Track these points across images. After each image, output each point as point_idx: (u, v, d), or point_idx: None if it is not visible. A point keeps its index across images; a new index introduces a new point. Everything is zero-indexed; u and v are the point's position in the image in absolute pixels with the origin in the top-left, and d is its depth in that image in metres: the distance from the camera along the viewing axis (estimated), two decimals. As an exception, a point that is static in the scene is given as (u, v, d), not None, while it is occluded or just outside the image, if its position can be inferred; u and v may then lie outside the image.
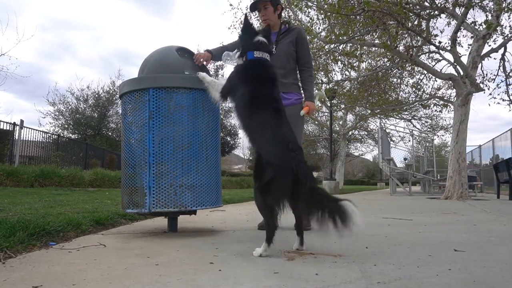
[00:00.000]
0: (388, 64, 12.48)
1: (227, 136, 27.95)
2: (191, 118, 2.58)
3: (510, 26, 11.77)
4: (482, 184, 14.90)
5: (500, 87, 11.26)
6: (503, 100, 10.62)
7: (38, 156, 13.57)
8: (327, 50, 10.96)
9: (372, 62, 14.40)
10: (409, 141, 17.88)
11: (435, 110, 15.41)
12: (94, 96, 24.40)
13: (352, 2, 8.44)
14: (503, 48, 9.62)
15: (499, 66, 10.17)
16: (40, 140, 13.75)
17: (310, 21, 11.05)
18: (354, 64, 14.64)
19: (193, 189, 2.54)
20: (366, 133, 25.99)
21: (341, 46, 10.87)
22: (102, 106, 24.30)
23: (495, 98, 10.82)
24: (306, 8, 10.90)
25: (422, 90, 13.48)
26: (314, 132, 28.06)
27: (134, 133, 2.62)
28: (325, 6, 9.41)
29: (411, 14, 8.59)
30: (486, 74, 10.50)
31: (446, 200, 8.30)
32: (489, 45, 9.45)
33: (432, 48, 10.17)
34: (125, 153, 2.66)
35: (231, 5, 13.53)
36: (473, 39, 9.06)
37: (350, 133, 24.88)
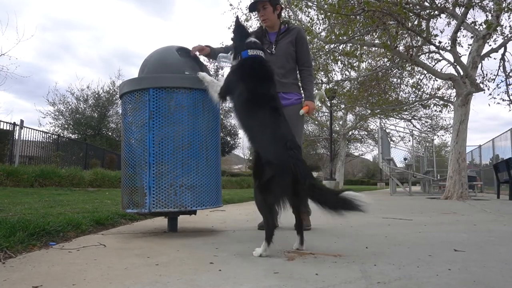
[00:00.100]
0: (388, 64, 12.48)
1: (227, 136, 27.95)
2: (191, 118, 2.58)
3: (510, 26, 11.78)
4: (482, 184, 14.91)
5: (500, 87, 11.27)
6: (503, 100, 10.62)
7: (38, 156, 13.57)
8: (327, 50, 10.96)
9: (372, 62, 14.39)
10: (409, 141, 17.90)
11: (435, 110, 15.43)
12: (94, 96, 24.40)
13: (352, 2, 8.44)
14: (503, 48, 9.63)
15: (499, 66, 10.17)
16: (40, 140, 13.75)
17: (310, 21, 11.05)
18: (354, 64, 14.63)
19: (193, 189, 2.54)
20: (366, 133, 26.00)
21: (341, 46, 10.87)
22: (102, 106, 24.30)
23: (495, 98, 10.84)
24: (306, 8, 10.90)
25: (422, 90, 13.50)
26: (314, 132, 28.06)
27: (134, 133, 2.62)
28: (325, 6, 9.41)
29: (411, 14, 8.59)
30: (486, 74, 10.52)
31: (446, 200, 8.30)
32: (489, 45, 9.47)
33: (432, 48, 10.17)
34: (125, 153, 2.66)
35: (231, 5, 13.57)
36: (473, 39, 9.06)
37: (350, 133, 24.88)
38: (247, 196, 7.52)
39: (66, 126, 23.64)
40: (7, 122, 12.18)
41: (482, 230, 3.05)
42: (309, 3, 10.25)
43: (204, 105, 2.64)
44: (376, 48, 11.90)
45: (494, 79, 10.48)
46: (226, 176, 20.17)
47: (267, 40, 3.10)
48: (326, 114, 21.95)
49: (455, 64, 9.14)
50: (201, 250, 2.11)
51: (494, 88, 10.77)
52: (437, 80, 12.87)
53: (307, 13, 11.26)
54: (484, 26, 8.20)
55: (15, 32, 62.11)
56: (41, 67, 78.56)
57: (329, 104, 16.52)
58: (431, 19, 9.43)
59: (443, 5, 8.72)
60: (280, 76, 3.00)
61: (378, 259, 1.86)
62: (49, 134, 15.66)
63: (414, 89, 13.57)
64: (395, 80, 13.86)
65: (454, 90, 9.62)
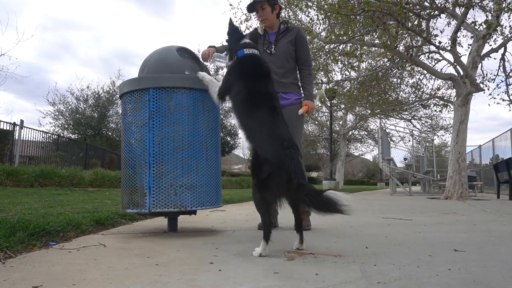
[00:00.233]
0: (388, 64, 12.48)
1: (227, 136, 27.95)
2: (191, 118, 2.58)
3: (510, 26, 11.77)
4: (482, 184, 14.91)
5: (500, 87, 11.28)
6: (503, 100, 10.62)
7: (38, 156, 13.57)
8: (327, 50, 10.96)
9: (372, 62, 14.40)
10: (409, 141, 17.91)
11: (435, 110, 15.42)
12: (94, 96, 24.40)
13: (352, 2, 8.44)
14: (503, 48, 9.63)
15: (499, 66, 10.17)
16: (40, 140, 13.75)
17: (310, 21, 11.05)
18: (354, 64, 14.63)
19: (193, 189, 2.54)
20: (366, 133, 26.01)
21: (341, 46, 10.87)
22: (102, 106, 24.30)
23: (495, 98, 10.84)
24: (306, 8, 10.90)
25: (421, 90, 13.50)
26: (314, 132, 28.07)
27: (134, 133, 2.62)
28: (325, 6, 9.41)
29: (411, 14, 8.59)
30: (486, 74, 10.52)
31: (446, 200, 8.30)
32: (490, 45, 9.47)
33: (432, 48, 10.17)
34: (125, 153, 2.66)
35: (231, 5, 13.58)
36: (473, 39, 9.06)
37: (350, 133, 24.89)
38: (247, 196, 7.52)
39: (66, 126, 23.65)
40: (7, 122, 12.20)
41: (482, 230, 3.05)
42: (309, 3, 10.25)
43: (204, 105, 2.64)
44: (376, 48, 11.90)
45: (494, 79, 10.50)
46: (226, 176, 20.17)
47: (267, 40, 3.10)
48: (326, 114, 21.96)
49: (455, 64, 9.14)
50: (201, 250, 2.11)
51: (494, 88, 10.79)
52: (437, 80, 12.89)
53: (307, 13, 11.27)
54: (484, 26, 8.20)
55: (15, 32, 62.16)
56: (41, 67, 78.60)
57: (329, 104, 16.51)
58: (431, 19, 9.43)
59: (443, 5, 8.72)
60: (279, 76, 3.00)
61: (378, 259, 1.86)
62: (49, 134, 15.67)
63: (414, 89, 13.58)
64: (395, 80, 13.86)
65: (454, 90, 9.63)
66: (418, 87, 13.24)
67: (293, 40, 3.05)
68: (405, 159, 19.27)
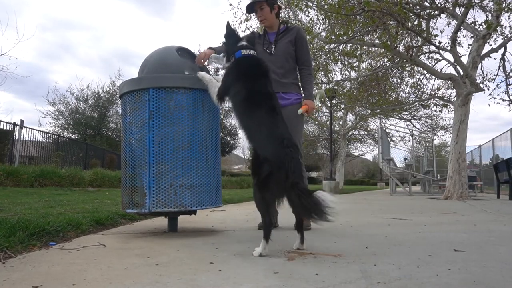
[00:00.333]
0: (388, 64, 12.48)
1: (227, 136, 27.96)
2: (191, 118, 2.58)
3: (510, 26, 11.78)
4: (482, 184, 14.90)
5: (500, 87, 11.27)
6: (503, 100, 10.62)
7: (38, 156, 13.56)
8: (327, 50, 10.96)
9: (372, 62, 14.39)
10: (409, 141, 17.90)
11: (435, 110, 15.42)
12: (94, 96, 24.41)
13: (352, 2, 8.44)
14: (503, 48, 9.63)
15: (499, 66, 10.17)
16: (40, 140, 13.75)
17: (310, 21, 11.05)
18: (354, 64, 14.63)
19: (193, 189, 2.54)
20: (366, 133, 25.99)
21: (341, 46, 10.87)
22: (102, 106, 24.30)
23: (495, 98, 10.84)
24: (306, 8, 10.90)
25: (421, 90, 13.50)
26: (314, 132, 28.06)
27: (134, 133, 2.62)
28: (325, 6, 9.41)
29: (411, 14, 8.59)
30: (486, 74, 10.52)
31: (446, 200, 8.30)
32: (490, 45, 9.47)
33: (432, 48, 10.17)
34: (125, 153, 2.66)
35: (231, 5, 13.53)
36: (473, 39, 9.06)
37: (350, 133, 24.88)
38: (247, 196, 7.52)
39: (66, 126, 23.65)
40: (7, 122, 12.20)
41: (482, 230, 3.05)
42: (309, 3, 10.25)
43: (204, 105, 2.64)
44: (376, 48, 11.90)
45: (494, 79, 10.49)
46: (226, 176, 20.16)
47: (267, 40, 3.10)
48: (326, 114, 21.95)
49: (455, 64, 9.14)
50: (201, 250, 2.11)
51: (494, 88, 10.79)
52: (437, 80, 12.89)
53: (307, 13, 11.27)
54: (484, 26, 8.20)
55: (15, 32, 62.15)
56: (41, 67, 78.61)
57: (329, 104, 16.51)
58: (431, 19, 9.43)
59: (443, 5, 8.72)
60: (279, 76, 3.00)
61: (378, 259, 1.86)
62: (49, 134, 15.66)
63: (414, 89, 13.58)
64: (395, 80, 13.86)
65: (454, 90, 9.63)
66: (418, 87, 13.25)
67: (293, 40, 3.05)
68: (405, 159, 19.27)
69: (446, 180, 9.46)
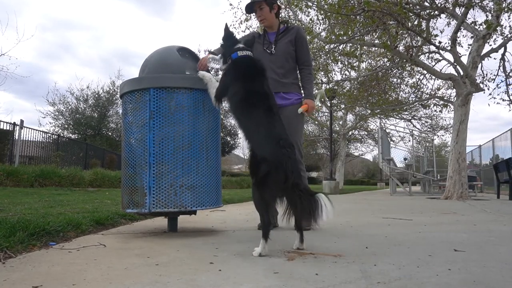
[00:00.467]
0: (388, 64, 12.48)
1: (227, 136, 27.96)
2: (191, 118, 2.58)
3: (510, 26, 11.76)
4: (482, 184, 14.90)
5: (500, 87, 11.27)
6: (503, 100, 10.62)
7: (38, 156, 13.57)
8: (327, 50, 10.96)
9: (372, 62, 14.39)
10: (409, 141, 17.90)
11: (435, 110, 15.42)
12: (94, 96, 24.41)
13: (352, 2, 8.44)
14: (503, 48, 9.63)
15: (499, 66, 10.17)
16: (40, 140, 13.75)
17: (310, 21, 11.05)
18: (354, 64, 14.63)
19: (193, 189, 2.54)
20: (366, 133, 26.00)
21: (341, 46, 10.87)
22: (102, 106, 24.30)
23: (495, 98, 10.83)
24: (306, 8, 10.90)
25: (421, 90, 13.50)
26: (314, 132, 28.06)
27: (134, 133, 2.62)
28: (325, 6, 9.41)
29: (411, 14, 8.59)
30: (486, 74, 10.51)
31: (446, 200, 8.30)
32: (490, 45, 9.47)
33: (432, 48, 10.17)
34: (125, 153, 2.66)
35: (231, 4, 13.56)
36: (473, 39, 9.06)
37: (350, 133, 24.88)
38: (247, 196, 7.52)
39: (66, 126, 23.66)
40: (7, 122, 12.21)
41: (482, 230, 3.05)
42: (309, 3, 10.25)
43: (205, 105, 2.64)
44: (376, 48, 11.90)
45: (494, 79, 10.49)
46: (226, 176, 20.16)
47: (267, 40, 3.10)
48: (326, 114, 21.96)
49: (455, 64, 9.14)
50: (201, 250, 2.11)
51: (494, 88, 10.78)
52: (437, 80, 12.89)
53: (307, 13, 11.27)
54: (484, 26, 8.20)
55: (15, 32, 62.18)
56: (41, 67, 78.65)
57: (329, 104, 16.51)
58: (431, 19, 9.43)
59: (443, 5, 8.72)
60: (280, 76, 3.00)
61: (378, 259, 1.86)
62: (49, 134, 15.67)
63: (414, 89, 13.58)
64: (395, 80, 13.86)
65: (454, 90, 9.63)
66: (418, 87, 13.25)
67: (293, 40, 3.05)
68: (405, 159, 19.27)
69: (446, 180, 9.46)
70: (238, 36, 2.67)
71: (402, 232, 2.93)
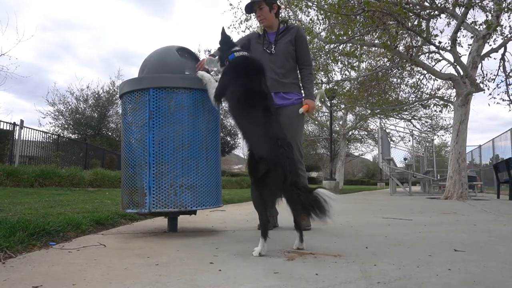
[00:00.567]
0: (388, 64, 12.48)
1: (227, 136, 27.95)
2: (191, 118, 2.58)
3: (510, 26, 11.77)
4: (482, 184, 14.90)
5: (500, 87, 11.27)
6: (503, 100, 10.62)
7: (38, 156, 13.57)
8: (327, 50, 10.96)
9: (372, 62, 14.40)
10: (409, 141, 17.91)
11: (435, 110, 15.42)
12: (94, 96, 24.41)
13: (352, 2, 8.44)
14: (503, 48, 9.63)
15: (499, 66, 10.17)
16: (40, 140, 13.75)
17: (310, 21, 11.05)
18: (354, 64, 14.63)
19: (193, 189, 2.54)
20: (366, 133, 26.00)
21: (341, 46, 10.87)
22: (102, 106, 24.30)
23: (495, 98, 10.83)
24: (306, 8, 10.90)
25: (421, 90, 13.50)
26: (314, 132, 28.06)
27: (134, 133, 2.62)
28: (325, 6, 9.41)
29: (411, 14, 8.59)
30: (486, 74, 10.51)
31: (446, 200, 8.30)
32: (490, 45, 9.46)
33: (432, 48, 10.17)
34: (125, 153, 2.66)
35: (231, 4, 13.56)
36: (473, 39, 9.06)
37: (350, 133, 24.88)
38: (247, 196, 7.52)
39: (66, 126, 23.65)
40: (7, 122, 12.21)
41: (482, 230, 3.05)
42: (309, 3, 10.25)
43: (204, 105, 2.64)
44: (376, 48, 11.90)
45: (494, 79, 10.49)
46: (226, 176, 20.15)
47: (267, 40, 3.10)
48: (326, 114, 21.96)
49: (455, 64, 9.14)
50: (201, 250, 2.11)
51: (494, 88, 10.78)
52: (437, 80, 12.88)
53: (307, 13, 11.27)
54: (484, 26, 8.20)
55: (15, 32, 62.19)
56: (41, 67, 78.73)
57: (329, 104, 16.51)
58: (431, 19, 9.43)
59: (443, 5, 8.72)
60: (280, 76, 3.00)
61: (378, 259, 1.86)
62: (49, 134, 15.66)
63: (414, 89, 13.58)
64: (395, 80, 13.87)
65: (454, 90, 9.62)
66: (418, 87, 13.24)
67: (293, 40, 3.05)
68: (405, 159, 19.28)
69: (446, 180, 9.46)
70: (235, 39, 2.68)
71: (402, 232, 2.93)
